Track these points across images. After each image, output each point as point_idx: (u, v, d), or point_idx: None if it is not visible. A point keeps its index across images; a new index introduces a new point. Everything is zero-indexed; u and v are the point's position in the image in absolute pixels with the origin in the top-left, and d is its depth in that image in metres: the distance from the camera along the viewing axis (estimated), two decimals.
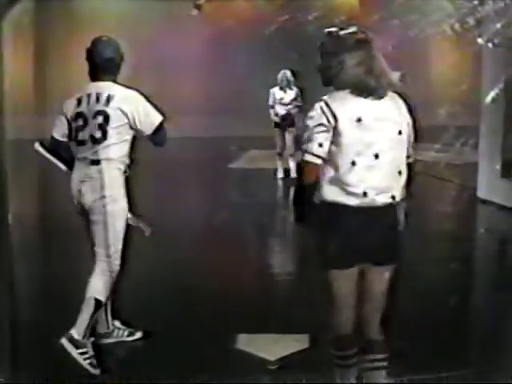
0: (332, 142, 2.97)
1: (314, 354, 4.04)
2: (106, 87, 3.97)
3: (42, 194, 10.18)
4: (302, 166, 3.04)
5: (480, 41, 7.81)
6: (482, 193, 8.65)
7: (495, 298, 5.07)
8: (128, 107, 3.89)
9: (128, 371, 3.87)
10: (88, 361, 3.85)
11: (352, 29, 3.07)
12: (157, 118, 3.96)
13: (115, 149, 3.93)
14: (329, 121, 2.95)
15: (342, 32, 3.05)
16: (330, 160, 2.99)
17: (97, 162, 3.92)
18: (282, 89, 10.63)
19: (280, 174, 10.80)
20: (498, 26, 7.30)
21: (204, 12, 15.11)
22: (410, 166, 3.16)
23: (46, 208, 8.64)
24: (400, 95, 3.13)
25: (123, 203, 3.98)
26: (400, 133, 3.05)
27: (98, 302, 3.91)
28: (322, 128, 2.96)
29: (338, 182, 3.00)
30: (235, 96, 15.19)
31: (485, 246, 6.94)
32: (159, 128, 3.96)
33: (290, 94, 10.61)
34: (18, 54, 11.66)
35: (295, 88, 10.65)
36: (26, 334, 4.20)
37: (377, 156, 2.98)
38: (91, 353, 3.88)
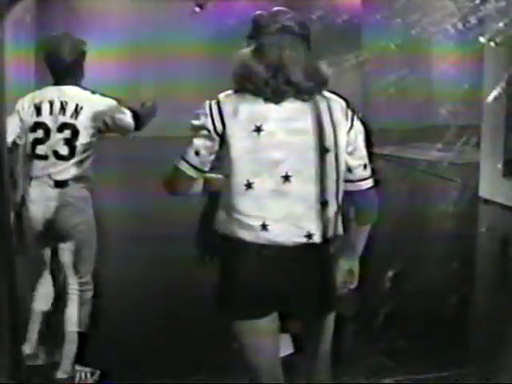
0: (220, 155, 2.30)
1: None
2: (71, 94, 3.48)
3: None
4: (171, 173, 2.36)
5: (482, 40, 7.80)
6: (483, 192, 8.63)
7: (497, 298, 5.06)
8: (100, 117, 3.46)
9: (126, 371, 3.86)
10: (91, 379, 3.69)
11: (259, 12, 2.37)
12: (128, 117, 3.55)
13: (84, 166, 3.51)
14: (214, 126, 2.28)
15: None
16: (223, 181, 2.33)
17: (64, 184, 3.47)
18: None
19: None
20: (500, 24, 7.29)
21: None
22: (365, 192, 2.42)
23: None
24: (339, 96, 2.40)
25: (92, 229, 3.62)
26: (325, 150, 2.28)
27: (80, 334, 3.61)
28: (204, 132, 2.29)
29: (231, 209, 2.30)
30: None
31: (486, 246, 6.92)
32: (137, 120, 3.58)
33: None
34: (19, 54, 11.64)
35: None
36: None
37: (286, 178, 2.26)
38: (87, 369, 3.69)
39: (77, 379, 3.69)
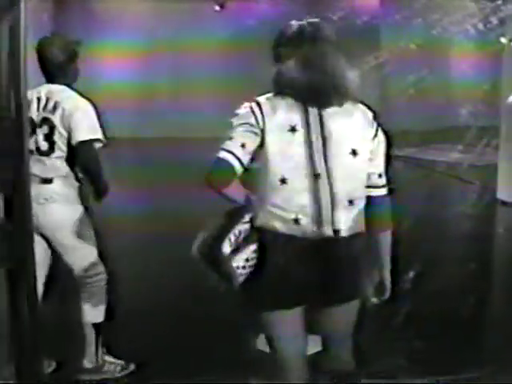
0: (261, 153, 2.45)
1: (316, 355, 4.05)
2: (56, 92, 3.53)
3: None
4: (212, 169, 2.45)
5: (503, 40, 7.76)
6: (502, 194, 8.58)
7: None
8: (69, 114, 3.45)
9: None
10: (121, 373, 3.77)
11: (299, 22, 2.58)
12: (83, 135, 3.44)
13: (64, 163, 3.51)
14: (257, 122, 2.43)
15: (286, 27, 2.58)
16: (260, 176, 2.48)
17: (49, 181, 3.49)
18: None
19: None
20: None
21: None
22: (376, 199, 2.57)
23: None
24: (367, 107, 2.57)
25: (85, 221, 3.61)
26: (354, 153, 2.47)
27: (96, 325, 3.69)
28: (249, 127, 2.43)
29: (266, 203, 2.47)
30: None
31: (504, 247, 6.89)
32: (82, 146, 3.44)
33: None
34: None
35: None
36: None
37: (317, 176, 2.43)
38: (118, 362, 3.79)
39: (105, 369, 3.77)
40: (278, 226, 2.45)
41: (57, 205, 3.51)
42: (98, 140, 3.49)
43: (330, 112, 2.46)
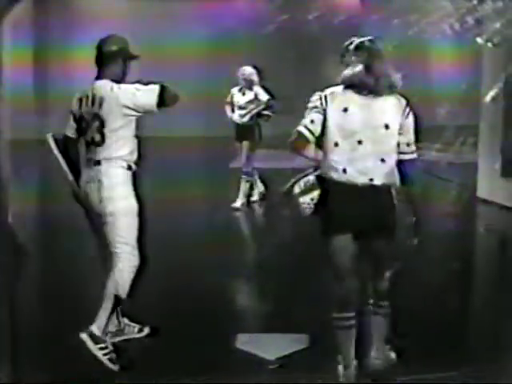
0: (324, 126, 3.53)
1: (313, 354, 4.06)
2: (100, 88, 4.03)
3: (42, 194, 10.17)
4: (293, 138, 3.56)
5: (479, 40, 7.81)
6: (482, 192, 8.65)
7: (495, 298, 5.09)
8: (122, 101, 3.97)
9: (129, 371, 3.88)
10: (107, 356, 3.91)
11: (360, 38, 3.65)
12: (154, 88, 4.00)
13: (115, 148, 4.01)
14: (322, 104, 3.54)
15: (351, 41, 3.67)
16: (323, 141, 3.57)
17: (98, 163, 4.01)
18: (240, 90, 8.36)
19: (238, 203, 8.41)
20: (498, 25, 7.31)
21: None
22: (407, 162, 3.61)
23: (46, 208, 8.63)
24: (403, 97, 3.60)
25: (130, 201, 4.04)
26: (387, 127, 3.53)
27: (117, 298, 3.98)
28: (316, 109, 3.55)
29: (326, 159, 3.58)
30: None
31: (485, 246, 6.95)
32: (162, 93, 3.98)
33: (249, 96, 8.30)
34: (17, 54, 11.65)
35: (257, 88, 8.29)
36: (27, 333, 4.22)
37: (360, 142, 3.51)
38: (110, 348, 3.94)
39: (126, 331, 4.29)
40: (334, 175, 3.54)
41: (103, 183, 3.99)
42: None
43: (373, 99, 3.52)
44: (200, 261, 5.93)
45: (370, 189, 3.54)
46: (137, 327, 4.34)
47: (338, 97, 3.56)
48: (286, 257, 6.23)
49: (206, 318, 4.53)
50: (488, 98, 8.06)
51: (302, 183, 3.62)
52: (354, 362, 3.67)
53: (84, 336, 3.87)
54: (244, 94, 8.34)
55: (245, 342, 4.21)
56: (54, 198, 7.68)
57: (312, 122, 3.53)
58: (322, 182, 3.61)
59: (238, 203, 8.37)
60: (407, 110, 3.60)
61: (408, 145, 3.60)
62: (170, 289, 5.17)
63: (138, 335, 4.31)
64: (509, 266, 6.17)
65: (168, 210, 7.64)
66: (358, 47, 3.60)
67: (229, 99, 8.46)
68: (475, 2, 7.67)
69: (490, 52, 8.14)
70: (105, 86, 4.02)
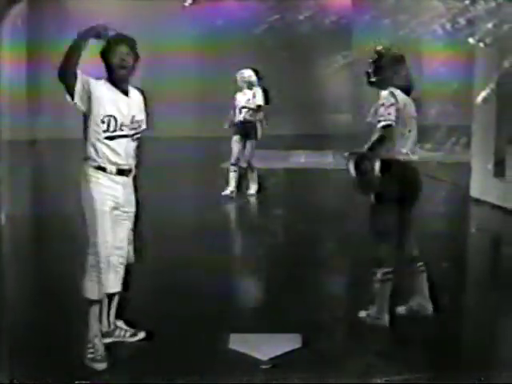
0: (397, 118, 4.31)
1: (306, 354, 4.06)
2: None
3: (36, 195, 10.15)
4: (382, 131, 4.26)
5: (471, 40, 7.83)
6: (474, 192, 8.67)
7: (488, 297, 5.09)
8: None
9: (120, 371, 3.87)
10: (131, 339, 4.13)
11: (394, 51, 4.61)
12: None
13: (89, 147, 3.91)
14: (396, 101, 4.35)
15: (390, 51, 4.58)
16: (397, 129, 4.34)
17: (84, 160, 3.95)
18: (241, 91, 9.02)
19: (229, 191, 9.01)
20: (490, 25, 7.33)
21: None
22: None
23: (40, 209, 8.61)
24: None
25: (104, 200, 3.89)
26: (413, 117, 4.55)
27: (108, 295, 4.00)
28: (393, 106, 4.33)
29: (394, 145, 4.38)
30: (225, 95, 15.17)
31: (477, 246, 6.96)
32: None
33: (247, 95, 8.96)
34: (12, 55, 11.62)
35: (256, 88, 8.95)
36: (23, 333, 4.21)
37: (409, 131, 4.45)
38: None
39: (116, 334, 4.16)
40: (399, 157, 4.39)
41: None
42: None
43: (404, 95, 4.47)
44: (190, 260, 5.92)
45: (415, 165, 4.49)
46: (129, 332, 4.20)
47: (399, 95, 4.42)
48: (278, 254, 6.22)
49: (198, 317, 4.52)
50: (480, 98, 8.09)
51: (376, 164, 4.28)
52: (387, 316, 4.30)
53: None
54: (244, 94, 8.99)
55: (238, 341, 4.20)
56: (48, 199, 7.67)
57: (389, 114, 4.27)
58: (389, 162, 4.31)
59: (227, 191, 8.96)
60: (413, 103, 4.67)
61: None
62: (163, 288, 5.15)
63: (129, 339, 4.18)
64: (501, 265, 6.19)
65: (159, 210, 7.62)
66: (393, 59, 4.56)
67: (233, 101, 9.07)
68: (467, 2, 7.69)
69: (482, 52, 8.17)
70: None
